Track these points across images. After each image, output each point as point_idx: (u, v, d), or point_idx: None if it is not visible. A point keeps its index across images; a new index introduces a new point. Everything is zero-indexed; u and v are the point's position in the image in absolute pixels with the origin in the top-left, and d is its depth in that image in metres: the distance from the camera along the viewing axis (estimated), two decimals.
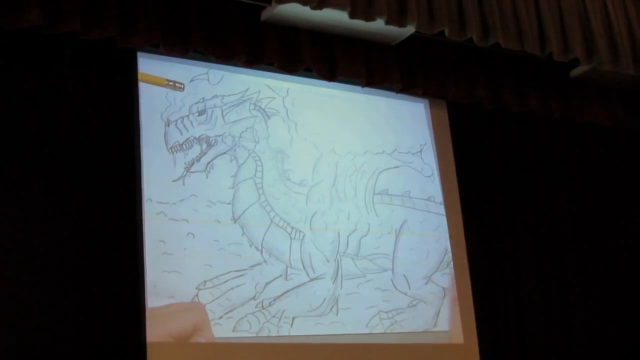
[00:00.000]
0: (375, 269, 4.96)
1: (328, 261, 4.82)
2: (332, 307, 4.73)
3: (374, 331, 4.83)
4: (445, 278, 5.24)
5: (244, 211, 4.62)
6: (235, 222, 4.58)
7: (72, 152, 4.69)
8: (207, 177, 4.56)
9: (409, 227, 5.18)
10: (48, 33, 4.03)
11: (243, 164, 4.71)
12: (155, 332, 4.14)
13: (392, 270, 5.03)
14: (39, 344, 4.39)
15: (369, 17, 4.52)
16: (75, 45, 4.39)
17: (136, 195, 4.32)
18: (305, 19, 4.67)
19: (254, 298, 4.49)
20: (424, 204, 5.31)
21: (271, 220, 4.70)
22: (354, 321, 4.78)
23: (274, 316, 4.52)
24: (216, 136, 4.68)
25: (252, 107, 4.87)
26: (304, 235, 4.77)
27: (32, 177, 4.58)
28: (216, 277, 4.41)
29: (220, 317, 4.35)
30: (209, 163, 4.59)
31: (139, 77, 4.54)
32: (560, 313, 6.24)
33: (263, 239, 4.63)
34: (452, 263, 5.28)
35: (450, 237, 5.32)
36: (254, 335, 4.43)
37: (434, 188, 5.41)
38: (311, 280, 4.72)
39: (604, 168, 6.37)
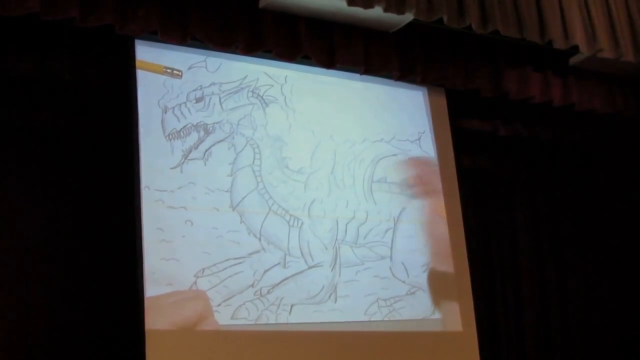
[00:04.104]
0: (373, 257, 4.96)
1: (326, 249, 4.81)
2: (330, 295, 4.73)
3: (373, 319, 4.83)
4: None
5: (243, 199, 4.62)
6: (233, 210, 4.57)
7: (69, 140, 4.71)
8: (205, 164, 4.55)
9: (407, 215, 5.18)
10: (46, 20, 4.02)
11: (241, 151, 4.70)
12: (157, 320, 4.14)
13: (391, 258, 5.03)
14: (38, 331, 4.42)
15: (368, 5, 4.51)
16: (72, 33, 4.38)
17: (134, 183, 4.31)
18: (304, 6, 4.66)
19: (252, 286, 4.49)
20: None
21: (269, 208, 4.69)
22: (353, 309, 4.78)
23: (272, 304, 4.52)
24: (214, 123, 4.66)
25: (250, 94, 4.86)
26: (302, 223, 4.77)
27: (29, 165, 4.60)
28: (214, 264, 4.40)
29: (219, 305, 4.35)
30: (207, 150, 4.58)
31: (137, 64, 4.52)
32: (558, 301, 6.26)
33: (261, 226, 4.62)
34: (450, 251, 5.28)
35: (449, 225, 5.31)
36: (253, 322, 4.43)
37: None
38: (309, 268, 4.72)
39: (604, 155, 6.38)
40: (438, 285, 5.15)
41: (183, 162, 4.50)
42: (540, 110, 5.80)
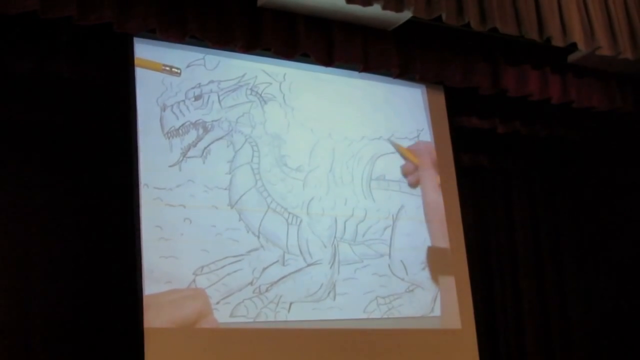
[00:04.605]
0: (372, 255, 4.96)
1: (325, 247, 4.82)
2: (329, 293, 4.73)
3: (371, 316, 4.83)
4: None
5: (241, 197, 4.62)
6: (232, 208, 4.57)
7: (68, 138, 4.71)
8: (203, 162, 4.55)
9: (406, 212, 5.18)
10: (44, 19, 4.02)
11: (240, 149, 4.70)
12: (156, 319, 4.14)
13: (389, 255, 5.03)
14: (37, 329, 4.42)
15: (366, 2, 4.51)
16: (71, 31, 4.37)
17: (133, 181, 4.30)
18: (303, 4, 4.66)
19: (251, 283, 4.49)
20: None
21: (268, 206, 4.69)
22: (351, 306, 4.78)
23: (271, 301, 4.52)
24: (212, 121, 4.66)
25: (248, 92, 4.86)
26: (301, 221, 4.77)
27: (28, 163, 4.60)
28: (213, 262, 4.40)
29: (218, 303, 4.35)
30: (205, 148, 4.58)
31: (136, 62, 4.52)
32: (557, 298, 6.27)
33: (260, 224, 4.63)
34: (449, 248, 5.28)
35: (448, 223, 5.31)
36: (252, 320, 4.43)
37: None
38: (308, 265, 4.72)
39: (603, 152, 6.38)
40: (436, 282, 5.16)
41: (182, 160, 4.50)
42: (538, 108, 5.80)
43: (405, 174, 5.29)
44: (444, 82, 5.45)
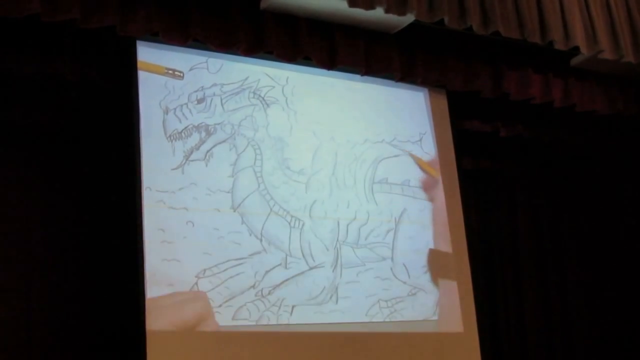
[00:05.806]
0: (374, 258, 4.96)
1: (327, 250, 4.81)
2: (331, 296, 4.73)
3: (374, 320, 4.83)
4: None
5: (244, 200, 4.62)
6: (234, 211, 4.57)
7: (71, 141, 4.72)
8: (206, 165, 4.55)
9: (409, 216, 5.17)
10: (47, 22, 4.02)
11: (242, 152, 4.70)
12: (158, 321, 4.14)
13: (392, 259, 5.03)
14: (37, 330, 4.42)
15: (369, 6, 4.50)
16: (74, 34, 4.38)
17: (135, 184, 4.31)
18: (305, 7, 4.66)
19: (253, 286, 4.49)
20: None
21: (271, 209, 4.69)
22: (354, 310, 4.78)
23: (273, 304, 4.52)
24: (215, 124, 4.66)
25: (251, 95, 4.86)
26: (303, 224, 4.77)
27: (30, 166, 4.61)
28: (215, 265, 4.40)
29: (220, 306, 4.35)
30: (208, 151, 4.58)
31: (138, 65, 4.52)
32: (560, 302, 6.27)
33: (262, 227, 4.63)
34: (451, 252, 5.28)
35: (450, 226, 5.31)
36: (254, 323, 4.43)
37: None
38: (311, 269, 4.72)
39: (605, 156, 6.38)
40: (439, 285, 5.15)
41: (184, 163, 4.50)
42: (541, 112, 5.80)
43: (425, 188, 5.30)
44: (446, 86, 5.45)
